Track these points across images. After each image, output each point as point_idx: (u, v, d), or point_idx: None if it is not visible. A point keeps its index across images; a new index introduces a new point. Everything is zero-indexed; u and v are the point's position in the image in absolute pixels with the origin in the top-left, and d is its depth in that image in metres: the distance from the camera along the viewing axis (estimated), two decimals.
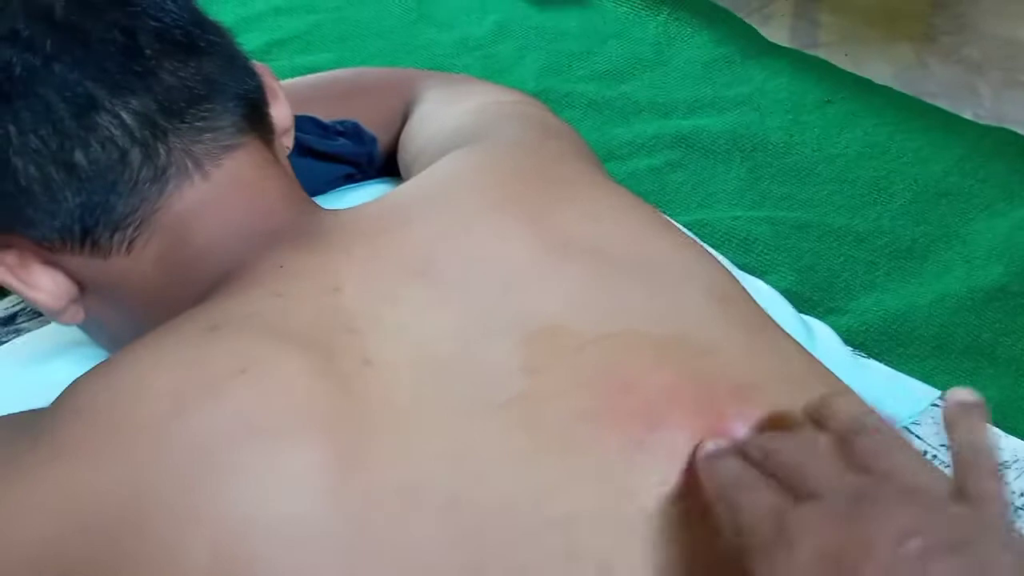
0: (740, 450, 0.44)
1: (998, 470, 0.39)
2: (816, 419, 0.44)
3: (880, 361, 0.85)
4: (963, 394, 0.42)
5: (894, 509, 0.37)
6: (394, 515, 0.44)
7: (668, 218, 0.62)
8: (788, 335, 0.58)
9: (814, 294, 0.94)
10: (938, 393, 0.80)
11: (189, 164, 0.55)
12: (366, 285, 0.52)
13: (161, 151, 0.54)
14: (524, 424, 0.47)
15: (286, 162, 0.63)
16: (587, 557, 0.45)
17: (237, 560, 0.42)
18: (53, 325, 0.73)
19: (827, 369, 0.58)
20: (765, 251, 0.98)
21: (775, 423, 0.47)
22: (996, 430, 0.77)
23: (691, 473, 0.46)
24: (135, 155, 0.54)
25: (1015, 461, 0.74)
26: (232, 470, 0.44)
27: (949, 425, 0.41)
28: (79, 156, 0.53)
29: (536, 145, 0.65)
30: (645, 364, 0.50)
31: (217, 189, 0.56)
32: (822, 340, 0.82)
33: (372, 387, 0.47)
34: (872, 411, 0.43)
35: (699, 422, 0.47)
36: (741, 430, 0.47)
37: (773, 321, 0.58)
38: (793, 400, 0.49)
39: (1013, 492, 0.72)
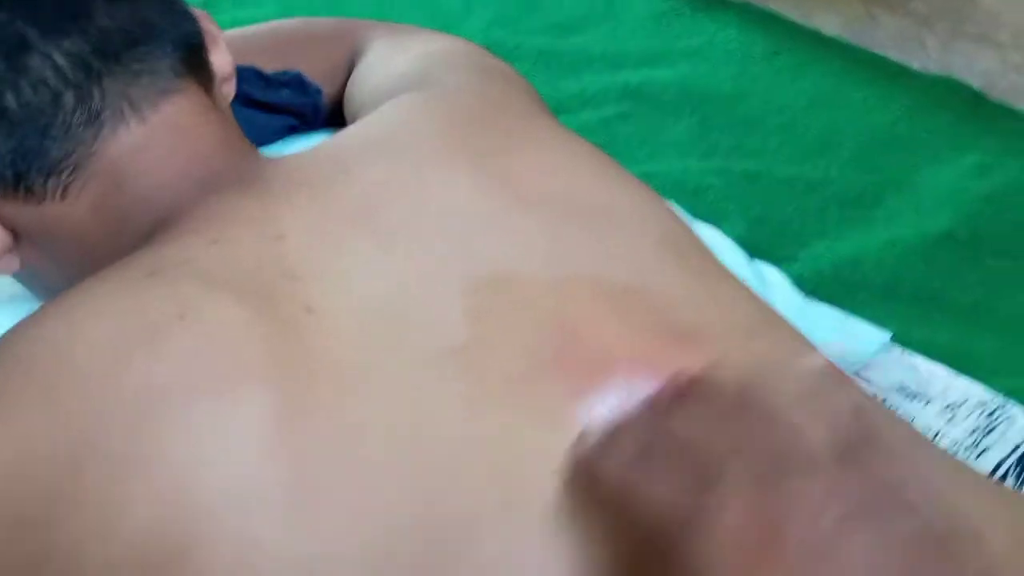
0: (631, 429, 0.42)
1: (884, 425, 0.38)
2: (698, 389, 0.42)
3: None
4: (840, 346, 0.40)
5: (806, 476, 0.36)
6: (337, 462, 0.43)
7: (621, 166, 0.61)
8: (741, 283, 0.58)
9: (765, 243, 0.94)
10: (889, 336, 0.80)
11: (125, 108, 0.53)
12: (309, 233, 0.51)
13: (95, 94, 0.53)
14: (468, 373, 0.46)
15: (228, 110, 0.62)
16: (530, 506, 0.44)
17: (180, 509, 0.41)
18: None
19: (780, 316, 0.57)
20: (716, 201, 0.98)
21: (676, 389, 0.44)
22: (946, 370, 0.78)
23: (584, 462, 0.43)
24: (68, 98, 0.52)
25: (964, 401, 0.75)
26: (172, 419, 0.43)
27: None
28: (10, 99, 0.52)
29: (485, 92, 0.64)
30: (595, 314, 0.49)
31: (154, 133, 0.54)
32: (774, 286, 0.82)
33: (314, 335, 0.46)
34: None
35: (645, 374, 0.46)
36: (636, 397, 0.44)
37: (727, 269, 0.58)
38: (745, 349, 0.48)
39: (963, 431, 0.72)
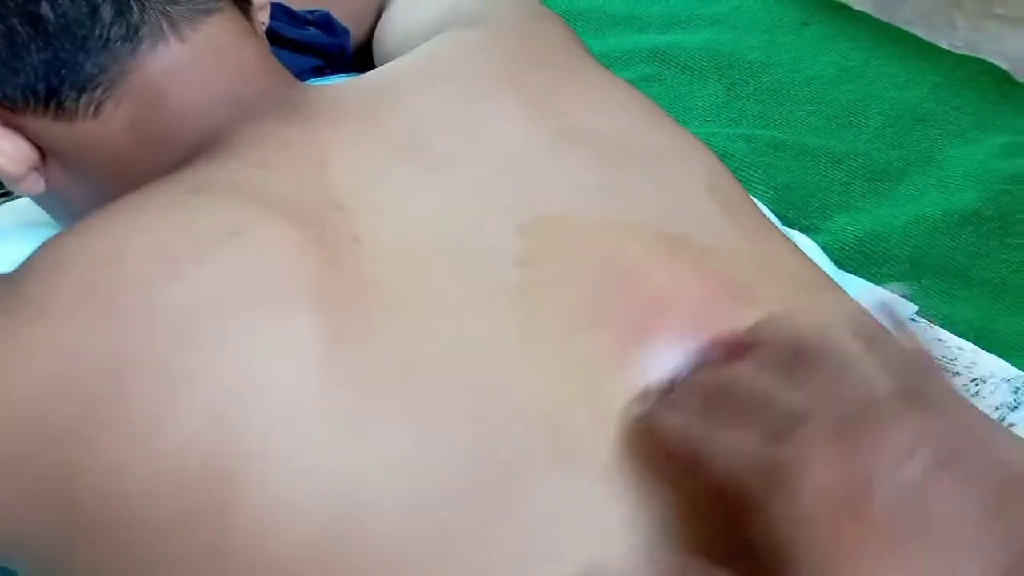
0: (693, 388, 0.40)
1: (944, 369, 0.38)
2: (762, 341, 0.40)
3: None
4: (896, 292, 0.40)
5: (887, 425, 0.34)
6: (387, 391, 0.42)
7: (667, 113, 0.60)
8: (785, 236, 0.57)
9: (789, 211, 0.93)
10: (915, 309, 0.79)
11: (164, 24, 0.52)
12: (354, 161, 0.50)
13: (135, 8, 0.51)
14: (522, 312, 0.45)
15: (264, 38, 0.60)
16: (582, 453, 0.42)
17: (226, 427, 0.40)
18: (10, 204, 0.69)
19: (821, 271, 0.56)
20: (741, 168, 0.96)
21: (737, 341, 0.42)
22: (972, 346, 0.77)
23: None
24: (106, 10, 0.50)
25: (990, 377, 0.74)
26: (224, 335, 0.41)
27: (889, 324, 0.39)
28: (46, 8, 0.50)
29: (535, 31, 0.62)
30: (648, 259, 0.48)
31: (194, 52, 0.52)
32: (807, 251, 0.81)
33: (363, 264, 0.45)
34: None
35: (703, 324, 0.44)
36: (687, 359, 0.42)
37: (771, 221, 0.57)
38: (793, 301, 0.47)
39: (989, 406, 0.71)
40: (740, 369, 0.38)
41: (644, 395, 0.41)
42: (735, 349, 0.40)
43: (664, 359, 0.43)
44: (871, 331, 0.41)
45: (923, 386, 0.36)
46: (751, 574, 0.34)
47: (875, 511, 0.32)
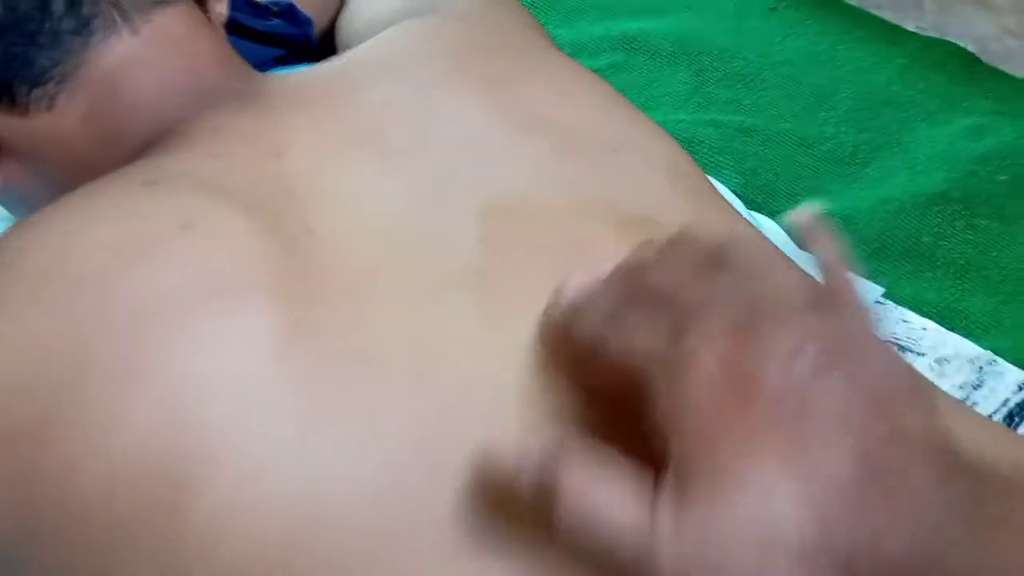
0: (605, 287, 0.40)
1: (855, 277, 0.38)
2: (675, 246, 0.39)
3: None
4: (807, 212, 0.39)
5: (781, 322, 0.34)
6: (348, 381, 0.42)
7: (628, 100, 0.60)
8: (747, 220, 0.57)
9: (758, 196, 0.93)
10: (882, 290, 0.80)
11: (117, 17, 0.51)
12: (310, 152, 0.49)
13: (85, 1, 0.51)
14: (484, 296, 0.45)
15: (221, 29, 0.60)
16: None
17: (183, 424, 0.40)
18: None
19: (781, 252, 0.57)
20: (710, 154, 0.97)
21: (649, 250, 0.41)
22: (936, 326, 0.78)
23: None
24: (57, 4, 0.50)
25: (954, 356, 0.75)
26: (177, 329, 0.41)
27: (806, 241, 0.38)
28: None
29: (492, 19, 0.62)
30: (609, 242, 0.48)
31: (147, 45, 0.52)
32: (770, 235, 0.81)
33: (318, 255, 0.45)
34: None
35: None
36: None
37: (732, 206, 0.57)
38: None
39: (953, 384, 0.72)
40: (651, 269, 0.38)
41: (556, 299, 0.40)
42: (645, 258, 0.39)
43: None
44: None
45: (830, 295, 0.36)
46: (639, 463, 0.34)
47: (758, 401, 0.32)
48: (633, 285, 0.38)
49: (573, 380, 0.40)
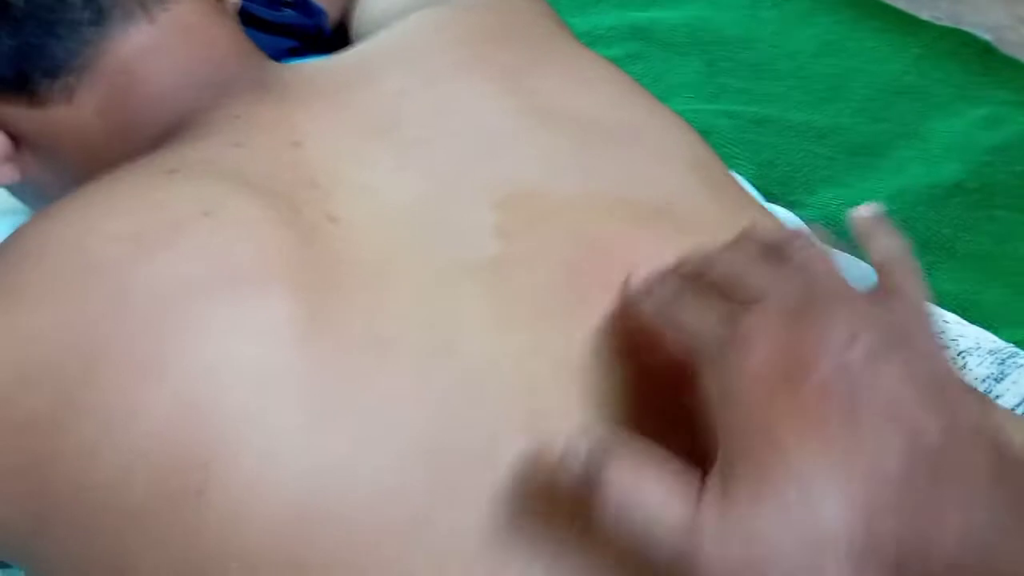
0: (672, 274, 0.41)
1: (918, 271, 0.38)
2: (741, 237, 0.41)
3: None
4: (869, 209, 0.40)
5: (838, 310, 0.34)
6: (363, 371, 0.41)
7: (646, 90, 0.59)
8: (768, 211, 0.56)
9: (774, 187, 0.93)
10: None
11: (134, 7, 0.51)
12: (328, 141, 0.49)
13: None
14: (499, 287, 0.45)
15: (236, 19, 0.59)
16: (550, 431, 0.42)
17: (199, 414, 0.39)
18: None
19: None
20: (724, 144, 0.96)
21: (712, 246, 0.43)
22: (957, 318, 0.77)
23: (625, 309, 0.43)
24: None
25: (976, 348, 0.74)
26: (198, 319, 0.40)
27: (864, 238, 0.39)
28: None
29: (507, 8, 0.61)
30: (626, 233, 0.47)
31: (164, 34, 0.51)
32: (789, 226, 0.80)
33: (339, 243, 0.44)
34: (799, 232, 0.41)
35: None
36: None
37: (752, 196, 0.56)
38: None
39: (975, 377, 0.71)
40: (717, 259, 0.39)
41: (627, 283, 0.42)
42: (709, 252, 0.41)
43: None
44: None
45: (885, 289, 0.37)
46: (689, 448, 0.34)
47: (810, 388, 0.32)
48: (700, 273, 0.39)
49: (632, 355, 0.41)
